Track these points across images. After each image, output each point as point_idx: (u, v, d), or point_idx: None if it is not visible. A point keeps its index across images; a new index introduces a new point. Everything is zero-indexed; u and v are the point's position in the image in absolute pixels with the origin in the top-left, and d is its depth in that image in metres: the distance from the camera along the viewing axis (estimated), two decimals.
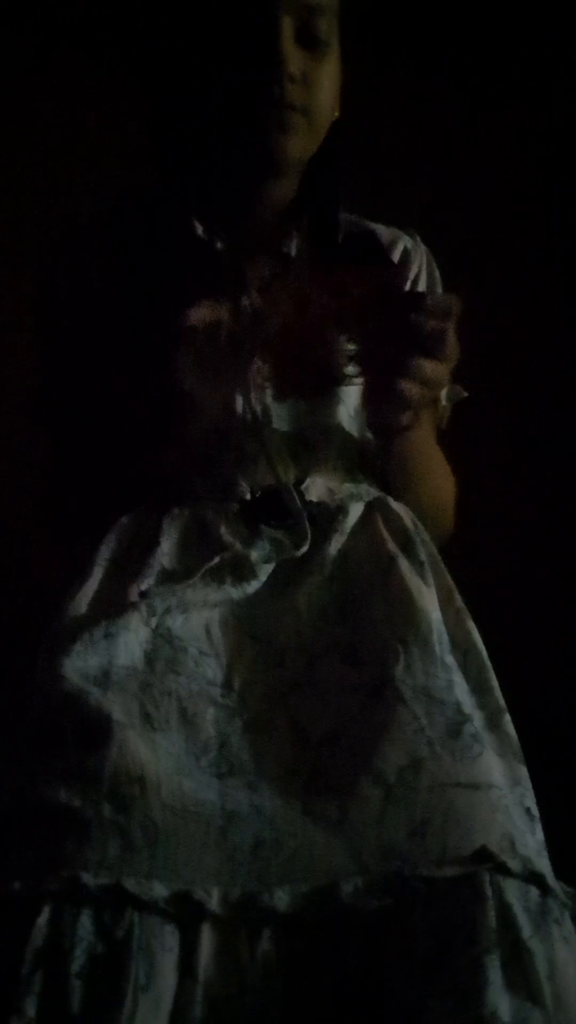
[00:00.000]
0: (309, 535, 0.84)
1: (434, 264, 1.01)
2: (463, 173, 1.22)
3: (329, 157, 0.94)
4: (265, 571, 0.84)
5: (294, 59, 0.87)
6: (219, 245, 0.90)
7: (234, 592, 0.83)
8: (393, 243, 1.00)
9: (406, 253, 0.99)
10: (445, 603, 0.86)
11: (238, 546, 0.83)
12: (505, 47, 1.20)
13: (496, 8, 1.19)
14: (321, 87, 0.89)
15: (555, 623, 1.32)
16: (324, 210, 0.95)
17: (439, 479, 0.96)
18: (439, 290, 0.99)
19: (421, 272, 0.99)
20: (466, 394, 0.94)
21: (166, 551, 0.84)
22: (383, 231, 1.00)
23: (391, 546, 0.87)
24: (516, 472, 1.33)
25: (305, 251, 0.93)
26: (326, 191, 0.96)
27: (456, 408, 0.95)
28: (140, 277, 0.92)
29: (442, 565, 0.90)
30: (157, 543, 0.84)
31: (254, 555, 0.83)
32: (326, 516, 0.86)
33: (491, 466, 1.29)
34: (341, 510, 0.87)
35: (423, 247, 1.01)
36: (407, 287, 0.98)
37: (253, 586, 0.83)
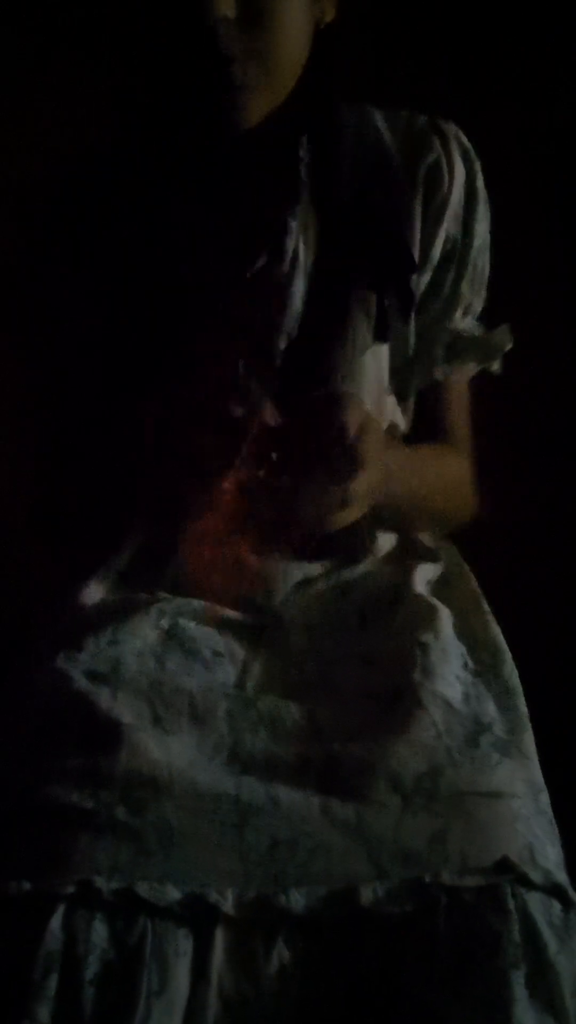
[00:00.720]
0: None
1: (477, 172, 0.89)
2: None
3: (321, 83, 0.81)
4: (281, 590, 0.83)
5: None
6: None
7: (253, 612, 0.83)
8: (418, 154, 0.85)
9: (433, 170, 0.86)
10: (471, 609, 0.85)
11: (251, 558, 0.83)
12: (505, 47, 1.20)
13: (496, 8, 1.19)
14: (275, 14, 0.75)
15: (559, 625, 1.32)
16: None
17: (439, 503, 0.93)
18: (479, 210, 0.88)
19: (452, 189, 0.87)
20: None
21: (180, 562, 0.83)
22: (398, 122, 0.87)
23: (410, 558, 0.87)
24: (516, 472, 1.33)
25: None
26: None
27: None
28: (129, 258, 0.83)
29: (467, 570, 0.89)
30: (173, 552, 0.83)
31: (263, 571, 0.82)
32: (350, 541, 0.86)
33: (491, 466, 1.28)
34: (369, 535, 0.86)
35: (459, 149, 0.87)
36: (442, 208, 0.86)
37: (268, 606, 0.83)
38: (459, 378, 0.94)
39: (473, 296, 0.92)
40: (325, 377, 0.82)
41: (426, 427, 0.95)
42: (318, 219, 0.83)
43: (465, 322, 0.92)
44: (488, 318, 1.03)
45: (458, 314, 0.91)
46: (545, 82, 1.21)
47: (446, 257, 0.90)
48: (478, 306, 0.93)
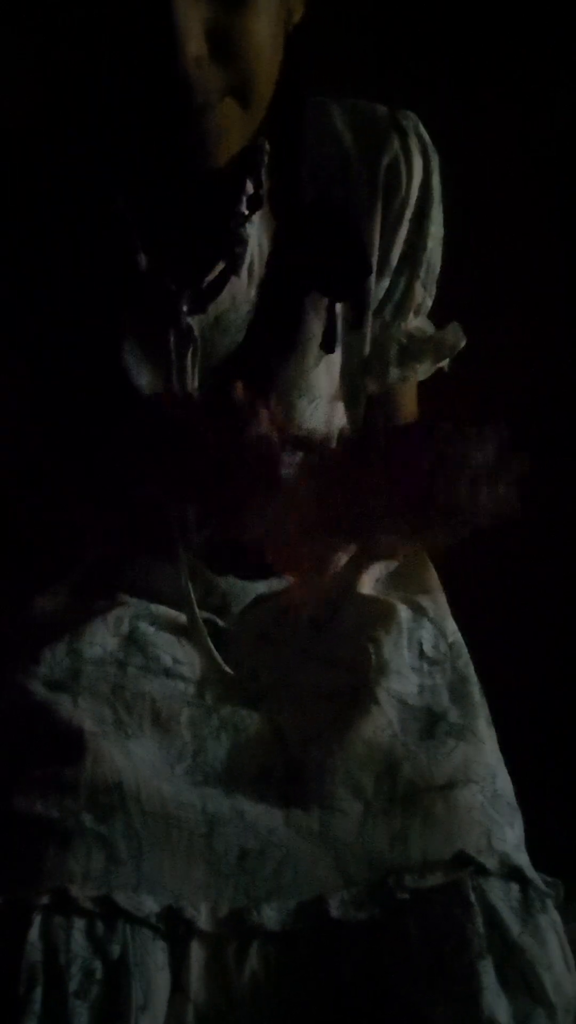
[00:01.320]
0: None
1: (434, 169, 0.83)
2: (464, 173, 1.22)
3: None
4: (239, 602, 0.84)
5: (194, 26, 0.61)
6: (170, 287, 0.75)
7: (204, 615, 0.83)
8: (377, 152, 0.80)
9: (392, 170, 0.80)
10: (427, 600, 0.86)
11: (209, 575, 0.83)
12: (506, 49, 1.20)
13: (497, 9, 1.19)
14: (250, 38, 0.64)
15: (547, 615, 1.33)
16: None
17: None
18: (434, 207, 0.84)
19: (410, 190, 0.82)
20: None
21: (138, 571, 0.83)
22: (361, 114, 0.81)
23: (365, 560, 0.87)
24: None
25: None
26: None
27: (457, 410, 0.95)
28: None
29: (425, 561, 0.89)
30: (129, 563, 0.83)
31: (224, 585, 0.82)
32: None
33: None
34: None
35: (418, 146, 0.82)
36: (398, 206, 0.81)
37: (225, 616, 0.83)
38: (412, 380, 0.92)
39: (425, 295, 0.89)
40: (280, 390, 0.80)
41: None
42: (275, 225, 0.79)
43: (416, 322, 0.90)
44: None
45: (410, 315, 0.88)
46: (545, 83, 1.21)
47: (402, 259, 0.85)
48: (428, 304, 0.90)
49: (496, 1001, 0.63)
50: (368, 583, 0.86)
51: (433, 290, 0.89)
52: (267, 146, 0.75)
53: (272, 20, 0.66)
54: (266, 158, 0.75)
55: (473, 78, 1.19)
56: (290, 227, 0.77)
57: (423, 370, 0.91)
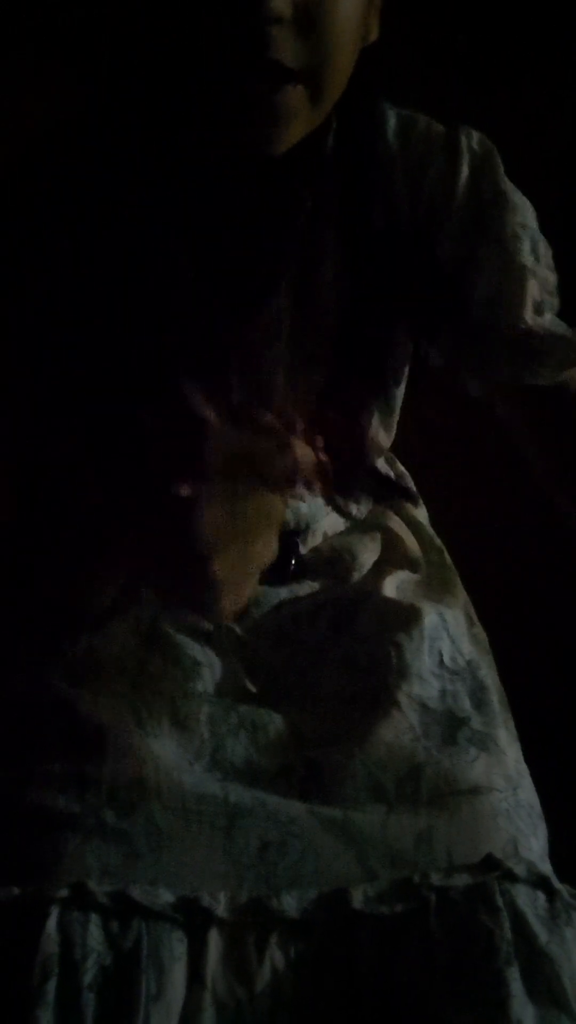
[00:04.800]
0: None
1: (496, 175, 0.77)
2: None
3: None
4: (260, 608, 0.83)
5: None
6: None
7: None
8: (420, 168, 0.75)
9: (434, 190, 0.75)
10: (452, 607, 0.85)
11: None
12: (513, 47, 1.20)
13: (504, 7, 1.19)
14: (335, 21, 0.60)
15: (556, 619, 1.33)
16: None
17: None
18: (501, 207, 0.78)
19: (451, 205, 0.76)
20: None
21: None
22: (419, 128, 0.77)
23: (390, 566, 0.86)
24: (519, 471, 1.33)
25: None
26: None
27: (459, 410, 0.94)
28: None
29: (450, 568, 0.89)
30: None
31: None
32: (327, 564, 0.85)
33: (492, 467, 1.28)
34: (349, 553, 0.85)
35: (469, 158, 0.77)
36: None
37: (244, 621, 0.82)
38: (535, 381, 0.81)
39: (542, 292, 0.81)
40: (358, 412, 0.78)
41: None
42: (329, 241, 0.74)
43: (541, 320, 0.81)
44: None
45: (526, 312, 0.80)
46: (553, 87, 1.21)
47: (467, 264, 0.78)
48: (550, 301, 0.82)
49: (524, 1009, 0.62)
50: (391, 588, 0.86)
51: (550, 286, 0.82)
52: (331, 152, 0.71)
53: (357, 12, 0.63)
54: (332, 168, 0.71)
55: (483, 76, 1.19)
56: (359, 251, 0.72)
57: (548, 373, 0.81)
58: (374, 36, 0.68)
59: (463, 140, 0.77)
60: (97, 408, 0.71)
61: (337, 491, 0.79)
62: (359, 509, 0.88)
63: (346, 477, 0.68)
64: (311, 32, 0.59)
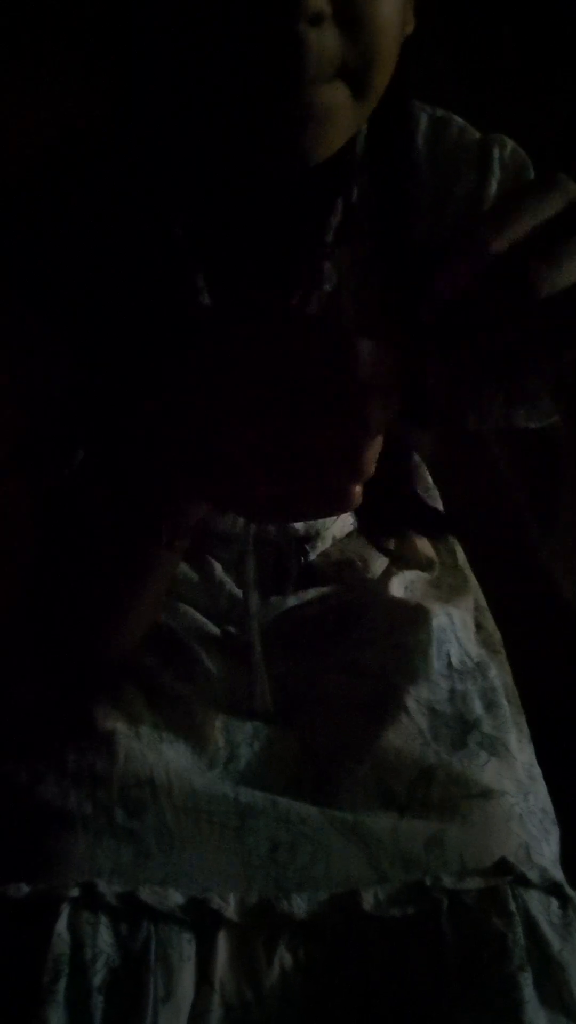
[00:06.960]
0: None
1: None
2: None
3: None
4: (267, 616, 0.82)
5: None
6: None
7: (232, 628, 0.82)
8: (451, 184, 0.71)
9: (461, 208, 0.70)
10: (462, 609, 0.85)
11: (234, 588, 0.82)
12: (512, 46, 1.19)
13: (504, 7, 1.19)
14: (377, 15, 0.56)
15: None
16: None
17: None
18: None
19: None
20: None
21: (183, 583, 0.82)
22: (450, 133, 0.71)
23: (398, 566, 0.86)
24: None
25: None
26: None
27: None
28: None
29: (463, 568, 0.88)
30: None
31: (253, 599, 0.80)
32: (336, 568, 0.85)
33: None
34: (360, 558, 0.85)
35: (499, 171, 0.71)
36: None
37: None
38: None
39: None
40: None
41: None
42: (361, 255, 0.70)
43: None
44: None
45: None
46: (550, 84, 1.21)
47: None
48: None
49: (537, 1016, 0.62)
50: (399, 587, 0.86)
51: None
52: (365, 155, 0.67)
53: (398, 8, 0.58)
54: (362, 175, 0.67)
55: (475, 79, 1.18)
56: (390, 263, 0.68)
57: None
58: (411, 28, 0.63)
59: (495, 152, 0.73)
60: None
61: (375, 528, 0.79)
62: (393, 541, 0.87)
63: (389, 509, 0.66)
64: (353, 27, 0.55)
